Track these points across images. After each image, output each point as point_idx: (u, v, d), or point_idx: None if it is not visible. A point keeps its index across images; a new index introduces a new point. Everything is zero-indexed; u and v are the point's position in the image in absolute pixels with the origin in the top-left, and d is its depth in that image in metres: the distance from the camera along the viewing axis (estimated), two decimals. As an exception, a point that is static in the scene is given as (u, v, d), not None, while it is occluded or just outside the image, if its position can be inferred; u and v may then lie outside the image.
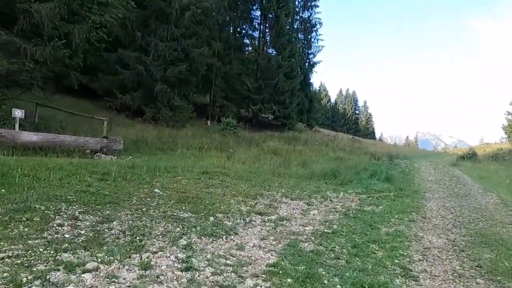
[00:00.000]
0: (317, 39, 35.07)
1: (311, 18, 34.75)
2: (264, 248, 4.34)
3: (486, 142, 79.60)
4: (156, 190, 6.35)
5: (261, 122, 31.97)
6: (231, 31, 30.44)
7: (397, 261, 4.39)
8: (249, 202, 6.58)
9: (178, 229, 4.49)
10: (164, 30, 20.96)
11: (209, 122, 26.88)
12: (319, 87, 72.08)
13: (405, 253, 4.71)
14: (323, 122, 63.40)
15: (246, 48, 31.76)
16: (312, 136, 29.50)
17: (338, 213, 6.75)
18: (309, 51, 35.24)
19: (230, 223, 5.13)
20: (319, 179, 10.98)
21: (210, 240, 4.30)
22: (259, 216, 5.79)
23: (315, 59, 35.26)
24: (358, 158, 19.34)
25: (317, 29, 34.89)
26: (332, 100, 74.51)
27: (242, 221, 5.35)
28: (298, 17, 34.14)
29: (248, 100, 29.92)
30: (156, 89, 20.30)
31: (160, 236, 4.14)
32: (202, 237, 4.33)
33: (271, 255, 4.09)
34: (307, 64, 35.35)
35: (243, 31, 31.77)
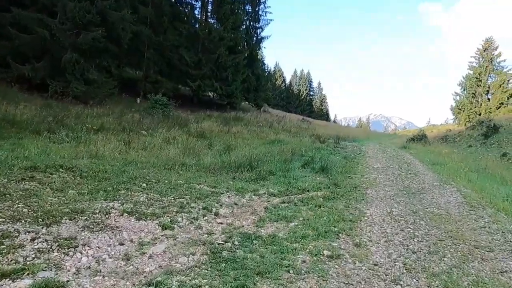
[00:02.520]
0: (265, 12, 31.57)
1: (258, -12, 31.13)
2: None
3: (433, 123, 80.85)
4: None
5: (204, 101, 28.32)
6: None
7: None
8: (19, 237, 3.23)
9: None
10: (74, -14, 16.66)
11: (139, 99, 23.00)
12: (274, 67, 69.09)
13: None
14: (277, 103, 60.71)
15: (186, 18, 27.69)
16: (257, 117, 26.42)
17: (202, 250, 3.55)
18: (257, 25, 31.69)
19: None
20: (229, 171, 7.81)
21: None
22: (-17, 286, 2.48)
23: (263, 34, 31.82)
24: (300, 141, 16.46)
25: (265, 1, 31.36)
26: (287, 81, 71.72)
27: None
28: (244, -14, 30.37)
29: (186, 76, 26.15)
30: (64, 58, 16.12)
31: None
32: None
33: None
34: (254, 38, 31.84)
35: (184, -1, 27.70)
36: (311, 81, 73.19)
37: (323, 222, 4.81)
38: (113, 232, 3.68)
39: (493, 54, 34.48)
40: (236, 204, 5.52)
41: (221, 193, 5.93)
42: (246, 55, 30.10)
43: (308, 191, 6.71)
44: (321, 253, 3.74)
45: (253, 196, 6.07)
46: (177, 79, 28.14)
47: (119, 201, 4.64)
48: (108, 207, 4.36)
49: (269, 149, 12.17)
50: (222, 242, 3.74)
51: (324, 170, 8.99)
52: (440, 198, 7.06)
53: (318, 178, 8.21)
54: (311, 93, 73.48)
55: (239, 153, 10.60)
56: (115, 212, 4.22)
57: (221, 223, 4.47)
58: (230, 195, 5.95)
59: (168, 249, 3.50)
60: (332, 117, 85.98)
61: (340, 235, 4.41)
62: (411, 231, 4.81)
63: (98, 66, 18.44)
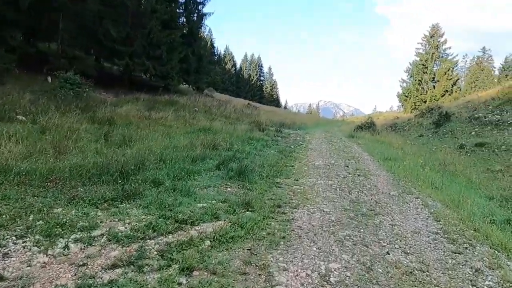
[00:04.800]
0: (208, -15, 27.89)
1: (198, -44, 27.32)
2: None
3: (379, 110, 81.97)
4: None
5: (136, 82, 24.41)
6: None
7: None
8: None
9: None
10: None
11: (49, 78, 18.73)
12: (224, 50, 65.40)
13: None
14: (227, 87, 57.47)
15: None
16: (196, 101, 23.11)
17: None
18: (198, 0, 27.95)
19: None
20: (79, 184, 4.69)
21: None
22: None
23: (205, 10, 28.22)
24: (234, 130, 13.58)
25: (207, -28, 27.63)
26: (238, 65, 68.16)
27: None
28: (182, -47, 26.43)
29: (113, 53, 22.15)
30: None
31: None
32: None
33: None
34: (195, 15, 28.15)
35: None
36: (261, 66, 70.12)
37: None
38: None
39: (439, 41, 33.57)
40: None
41: (-6, 247, 2.85)
42: (185, 32, 26.52)
43: (192, 223, 3.79)
44: None
45: (72, 246, 3.05)
46: (103, 56, 24.16)
47: None
48: None
49: (187, 141, 9.23)
50: None
51: (242, 174, 6.17)
52: (404, 225, 4.48)
53: (228, 190, 5.37)
54: (262, 78, 70.41)
55: (139, 147, 7.61)
56: None
57: None
58: (12, 249, 2.89)
59: None
60: (283, 103, 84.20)
61: None
62: None
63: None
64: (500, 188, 7.20)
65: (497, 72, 52.37)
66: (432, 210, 5.20)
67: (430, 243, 3.93)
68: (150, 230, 3.49)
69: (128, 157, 6.04)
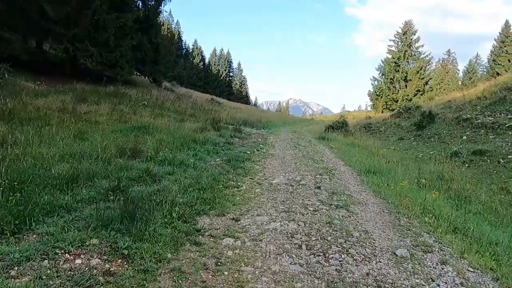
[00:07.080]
0: (167, -35, 24.47)
1: None
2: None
3: (348, 110, 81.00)
4: None
5: (82, 71, 20.71)
6: None
7: None
8: None
9: None
10: None
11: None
12: (193, 44, 61.75)
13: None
14: (195, 82, 53.92)
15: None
16: (148, 94, 19.80)
17: None
18: (156, -19, 24.51)
19: None
20: None
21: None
22: None
23: (165, -6, 24.80)
24: (180, 128, 10.58)
25: (167, -50, 24.23)
26: (207, 60, 64.53)
27: None
28: None
29: (50, 36, 18.51)
30: None
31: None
32: None
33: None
34: (153, -1, 24.72)
35: None
36: (231, 61, 66.55)
37: None
38: None
39: (411, 39, 31.85)
40: None
41: None
42: (140, 17, 23.09)
43: None
44: None
45: None
46: (39, 38, 20.38)
47: None
48: None
49: (103, 144, 6.18)
50: None
51: (129, 217, 3.26)
52: None
53: (75, 264, 2.44)
54: (231, 74, 66.96)
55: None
56: None
57: None
58: None
59: None
60: (253, 100, 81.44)
61: None
62: None
63: None
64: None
65: (461, 74, 52.60)
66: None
67: None
68: None
69: None
